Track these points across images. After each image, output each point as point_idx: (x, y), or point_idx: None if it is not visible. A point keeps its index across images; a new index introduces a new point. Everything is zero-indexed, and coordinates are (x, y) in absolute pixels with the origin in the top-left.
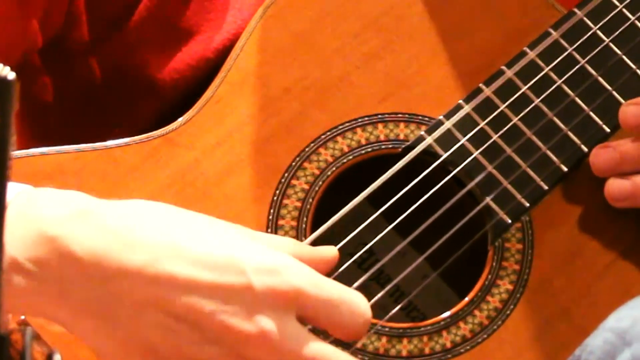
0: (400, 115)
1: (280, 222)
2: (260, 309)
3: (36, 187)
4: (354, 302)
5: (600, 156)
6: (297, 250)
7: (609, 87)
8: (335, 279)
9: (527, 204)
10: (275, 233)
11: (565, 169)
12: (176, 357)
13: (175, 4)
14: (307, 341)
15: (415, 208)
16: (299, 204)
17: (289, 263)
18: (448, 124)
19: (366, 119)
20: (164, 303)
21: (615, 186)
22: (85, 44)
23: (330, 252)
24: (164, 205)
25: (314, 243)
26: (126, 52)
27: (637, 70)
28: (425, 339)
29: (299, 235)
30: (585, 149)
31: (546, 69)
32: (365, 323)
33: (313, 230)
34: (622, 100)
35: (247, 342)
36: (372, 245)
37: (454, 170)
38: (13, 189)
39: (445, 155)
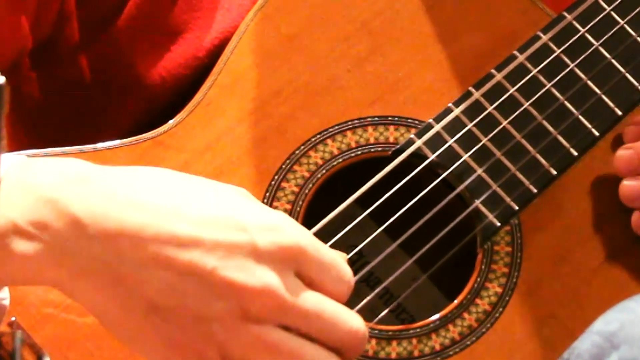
0: (390, 118)
1: None
2: (262, 264)
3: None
4: (342, 268)
5: (620, 158)
6: None
7: (598, 91)
8: None
9: (516, 207)
10: None
11: (554, 172)
12: (180, 315)
13: (164, 2)
14: (308, 295)
15: (405, 211)
16: (289, 207)
17: (289, 222)
18: (437, 127)
19: (356, 121)
20: (166, 261)
21: (626, 187)
22: (75, 45)
23: None
24: (162, 169)
25: None
26: (115, 52)
27: (627, 74)
28: (414, 341)
29: None
30: (575, 153)
31: (535, 72)
32: (348, 289)
33: None
34: (610, 104)
35: (252, 296)
36: (362, 247)
37: (443, 173)
38: (8, 159)
39: (432, 157)
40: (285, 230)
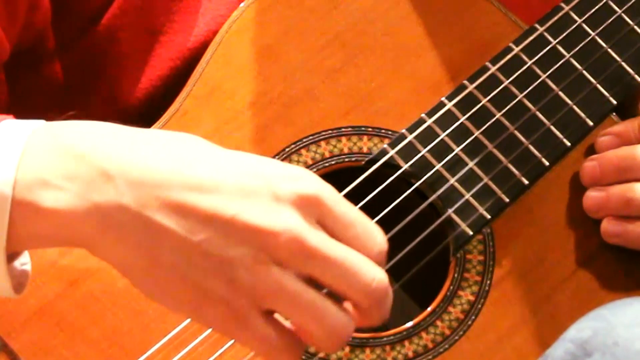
0: (363, 129)
1: None
2: (284, 209)
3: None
4: (370, 227)
5: (584, 170)
6: None
7: (569, 102)
8: None
9: (489, 216)
10: None
11: (526, 182)
12: (205, 262)
13: (144, 7)
14: (331, 241)
15: (378, 220)
16: None
17: (308, 173)
18: (410, 137)
19: (330, 132)
20: (189, 207)
21: (589, 198)
22: (50, 51)
23: None
24: (180, 132)
25: None
26: (90, 59)
27: (598, 85)
28: (387, 348)
29: None
30: (546, 163)
31: (507, 83)
32: (380, 253)
33: None
34: (582, 115)
35: (275, 239)
36: None
37: (416, 182)
38: (29, 124)
39: (405, 167)
40: (305, 179)
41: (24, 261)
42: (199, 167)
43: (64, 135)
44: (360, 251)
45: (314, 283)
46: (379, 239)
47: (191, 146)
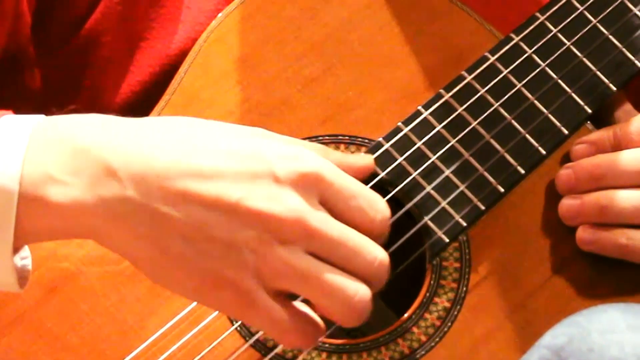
0: (341, 137)
1: None
2: (286, 191)
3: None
4: (373, 197)
5: (559, 177)
6: (324, 155)
7: (545, 111)
8: None
9: (465, 224)
10: None
11: (502, 189)
12: (211, 247)
13: (124, 12)
14: (333, 222)
15: None
16: None
17: (308, 151)
18: (387, 146)
19: (307, 140)
20: (193, 195)
21: (564, 205)
22: (31, 59)
23: (363, 160)
24: (178, 117)
25: None
26: (71, 65)
27: (573, 94)
28: (364, 355)
29: None
30: (522, 171)
31: (483, 92)
32: (383, 220)
33: None
34: (557, 124)
35: (279, 222)
36: None
37: (393, 190)
38: (30, 119)
39: (382, 175)
40: (304, 158)
41: (24, 255)
42: (200, 154)
43: (66, 129)
44: (364, 220)
45: None
46: (380, 206)
47: (191, 131)
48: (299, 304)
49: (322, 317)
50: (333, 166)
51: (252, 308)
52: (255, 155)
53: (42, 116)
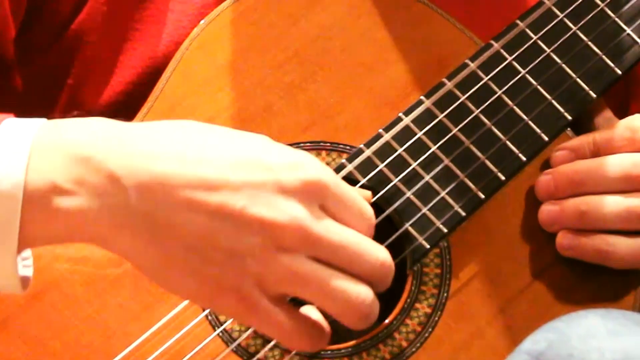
0: (322, 144)
1: None
2: (289, 199)
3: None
4: (363, 205)
5: (539, 183)
6: None
7: (525, 117)
8: None
9: (445, 230)
10: None
11: (482, 196)
12: (215, 254)
13: (109, 12)
14: (334, 227)
15: None
16: None
17: (310, 159)
18: (368, 152)
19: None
20: (197, 204)
21: (544, 211)
22: (12, 62)
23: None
24: (186, 121)
25: None
26: (54, 67)
27: (553, 101)
28: None
29: None
30: (502, 177)
31: (464, 99)
32: (369, 227)
33: None
34: (537, 130)
35: (281, 230)
36: None
37: (374, 197)
38: (33, 123)
39: (363, 181)
40: (307, 166)
41: (25, 256)
42: (204, 164)
43: (69, 135)
44: (361, 228)
45: None
46: (369, 213)
47: (196, 138)
48: (308, 308)
49: (330, 321)
50: (333, 173)
51: (254, 313)
52: (259, 164)
53: (44, 120)
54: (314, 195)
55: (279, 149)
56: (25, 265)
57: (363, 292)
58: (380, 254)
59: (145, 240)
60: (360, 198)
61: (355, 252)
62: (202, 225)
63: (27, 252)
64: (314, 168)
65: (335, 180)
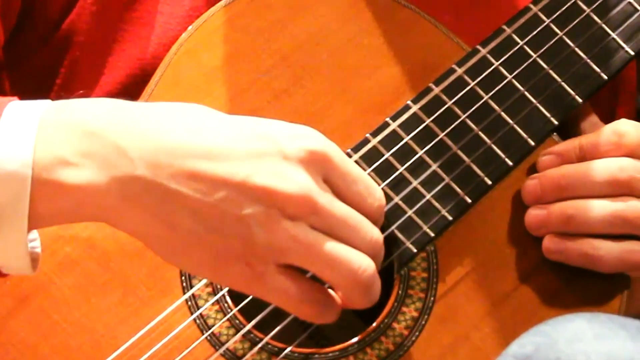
0: None
1: None
2: (293, 167)
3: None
4: (370, 184)
5: (526, 188)
6: None
7: (511, 122)
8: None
9: (432, 234)
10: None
11: (469, 200)
12: (221, 223)
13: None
14: (336, 201)
15: None
16: None
17: (315, 132)
18: (355, 157)
19: None
20: (203, 174)
21: (530, 215)
22: (1, 62)
23: None
24: (188, 103)
25: None
26: (43, 68)
27: (539, 106)
28: None
29: None
30: (489, 181)
31: (450, 104)
32: (379, 207)
33: None
34: (524, 135)
35: (286, 198)
36: None
37: None
38: (39, 104)
39: None
40: (311, 137)
41: (32, 237)
42: (209, 135)
43: (76, 112)
44: (362, 205)
45: None
46: (378, 194)
47: (198, 115)
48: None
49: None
50: (338, 149)
51: (261, 281)
52: (263, 135)
53: (48, 101)
54: (317, 165)
55: (282, 122)
56: (33, 246)
57: (365, 262)
58: (375, 232)
59: (152, 211)
60: (367, 177)
61: (354, 226)
62: (207, 193)
63: (34, 234)
64: (317, 138)
65: (340, 155)
